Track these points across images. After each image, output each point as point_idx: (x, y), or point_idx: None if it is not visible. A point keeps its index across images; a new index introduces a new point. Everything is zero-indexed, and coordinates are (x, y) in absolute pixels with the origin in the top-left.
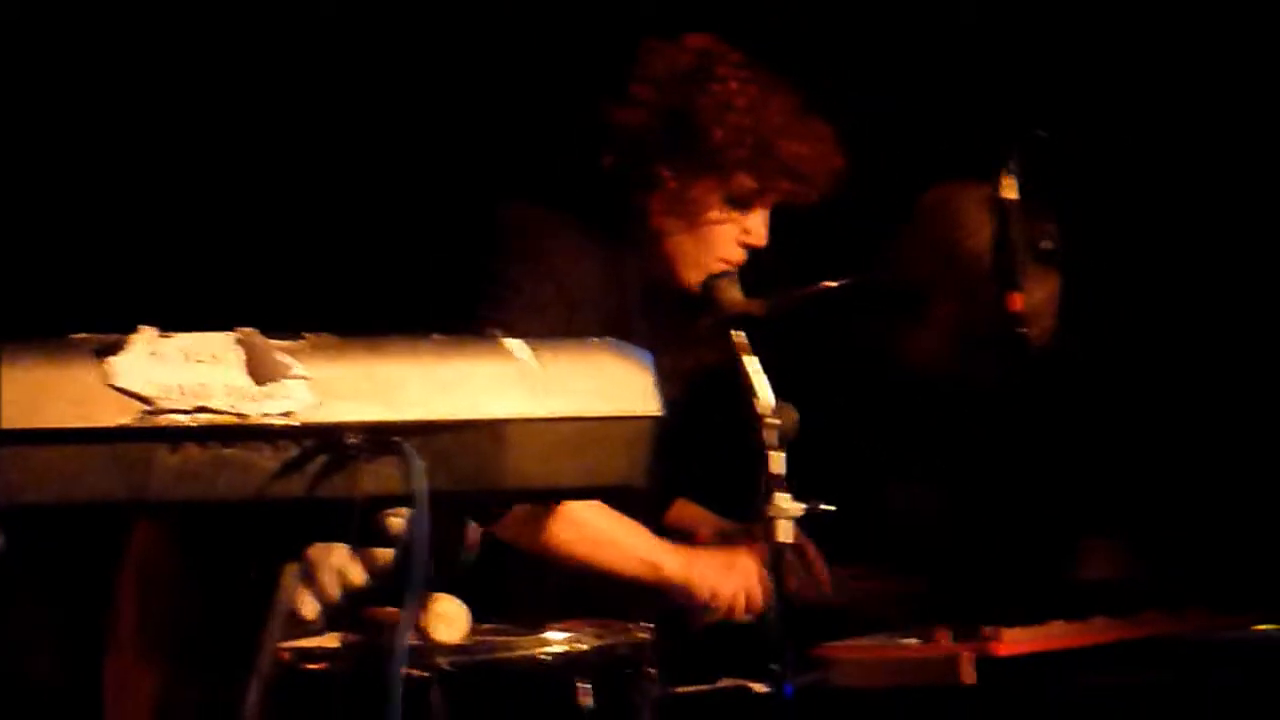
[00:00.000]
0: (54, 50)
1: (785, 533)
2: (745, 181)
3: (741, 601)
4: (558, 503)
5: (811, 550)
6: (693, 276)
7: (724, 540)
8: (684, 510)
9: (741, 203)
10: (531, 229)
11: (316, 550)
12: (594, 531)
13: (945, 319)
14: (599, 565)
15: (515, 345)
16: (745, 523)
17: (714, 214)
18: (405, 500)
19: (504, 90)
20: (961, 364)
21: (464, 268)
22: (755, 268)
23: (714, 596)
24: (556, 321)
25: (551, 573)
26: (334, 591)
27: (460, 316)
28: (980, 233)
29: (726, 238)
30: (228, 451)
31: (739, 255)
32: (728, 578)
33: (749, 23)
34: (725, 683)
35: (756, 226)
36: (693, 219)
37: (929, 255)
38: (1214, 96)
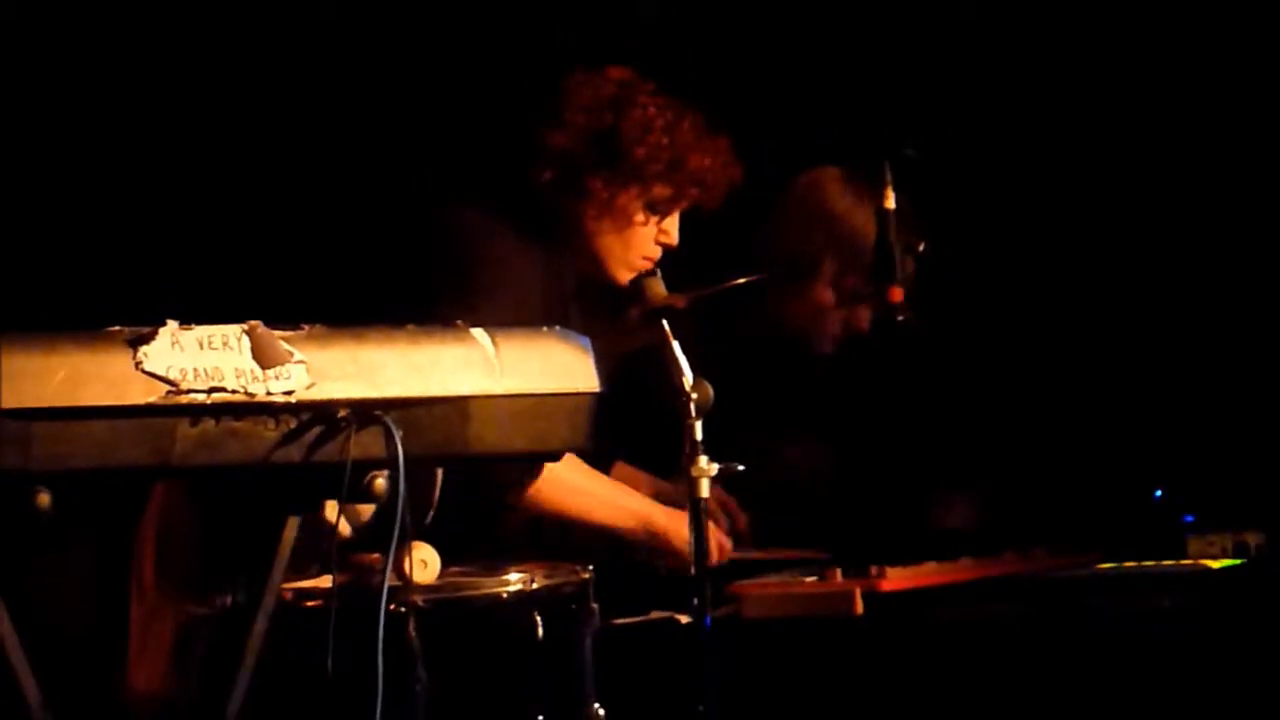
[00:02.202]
0: (72, 54)
1: (705, 489)
2: (662, 190)
3: (715, 549)
4: (536, 467)
5: (733, 505)
6: (620, 272)
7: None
8: (622, 472)
9: (659, 208)
10: (485, 232)
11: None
12: (594, 492)
13: (829, 275)
14: (599, 521)
15: (477, 333)
16: (671, 481)
17: (637, 218)
18: (386, 464)
19: (447, 115)
20: (843, 320)
21: (425, 265)
22: (675, 266)
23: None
24: (506, 311)
25: (505, 522)
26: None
27: (424, 308)
28: (845, 202)
29: (646, 238)
30: (238, 424)
31: (656, 253)
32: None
33: (648, 48)
34: (655, 615)
35: (671, 228)
36: (619, 223)
37: (812, 227)
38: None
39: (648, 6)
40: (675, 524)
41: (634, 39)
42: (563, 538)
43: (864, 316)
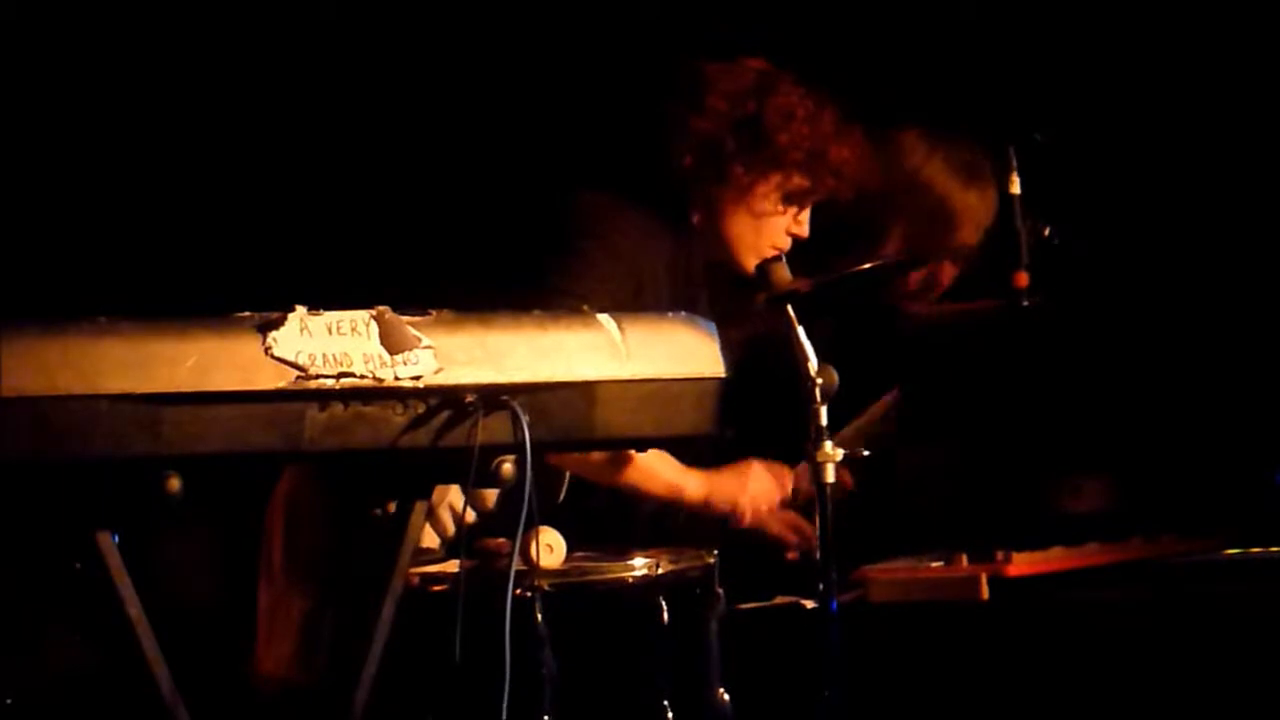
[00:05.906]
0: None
1: (830, 474)
2: (800, 181)
3: (760, 504)
4: (642, 450)
5: (806, 528)
6: (748, 259)
7: None
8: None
9: (795, 198)
10: (605, 214)
11: (435, 492)
12: (627, 457)
13: (900, 235)
14: (630, 486)
15: (603, 318)
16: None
17: (774, 208)
18: (514, 449)
19: (584, 100)
20: (922, 277)
21: (543, 245)
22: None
23: (735, 507)
24: (621, 294)
25: (633, 508)
26: (449, 527)
27: (538, 286)
28: (917, 159)
29: (779, 228)
30: (366, 409)
31: (787, 243)
32: (743, 488)
33: (776, 38)
34: (780, 600)
35: (804, 219)
36: (755, 211)
37: (883, 185)
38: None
39: None
40: (714, 490)
41: (762, 28)
42: (690, 524)
43: (947, 272)
